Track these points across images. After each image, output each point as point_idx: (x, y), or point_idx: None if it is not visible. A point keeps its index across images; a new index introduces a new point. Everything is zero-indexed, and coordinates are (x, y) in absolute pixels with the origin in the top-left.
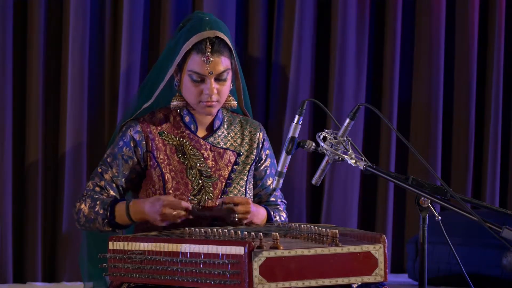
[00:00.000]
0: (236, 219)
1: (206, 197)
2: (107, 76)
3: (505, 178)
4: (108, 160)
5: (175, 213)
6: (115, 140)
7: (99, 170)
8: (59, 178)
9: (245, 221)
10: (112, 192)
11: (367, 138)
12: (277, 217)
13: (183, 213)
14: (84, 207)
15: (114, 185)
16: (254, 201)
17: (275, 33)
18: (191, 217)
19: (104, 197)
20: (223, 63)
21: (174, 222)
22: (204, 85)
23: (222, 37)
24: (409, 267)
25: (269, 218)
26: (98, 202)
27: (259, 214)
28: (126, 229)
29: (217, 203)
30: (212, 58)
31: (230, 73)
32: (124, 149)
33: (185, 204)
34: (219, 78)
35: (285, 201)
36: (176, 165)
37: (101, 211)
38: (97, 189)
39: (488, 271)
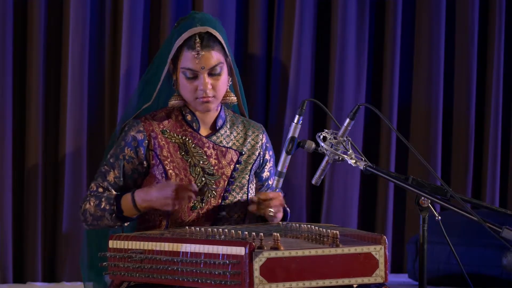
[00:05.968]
0: (271, 213)
1: (209, 194)
2: (107, 76)
3: (505, 178)
4: (111, 160)
5: (186, 195)
6: (118, 140)
7: (103, 170)
8: (59, 178)
9: (278, 215)
10: (114, 193)
11: (367, 138)
12: (287, 209)
13: (193, 196)
14: (89, 206)
15: (116, 186)
16: None
17: (275, 33)
18: (200, 198)
19: (108, 194)
20: (214, 57)
21: (177, 209)
22: (198, 81)
23: (212, 32)
24: (409, 267)
25: (285, 210)
26: (103, 199)
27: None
28: (126, 228)
29: (253, 200)
30: (202, 53)
31: (225, 67)
32: (125, 149)
33: (194, 186)
34: (212, 73)
35: (283, 193)
36: (179, 162)
37: (107, 207)
38: (100, 190)
39: (488, 271)
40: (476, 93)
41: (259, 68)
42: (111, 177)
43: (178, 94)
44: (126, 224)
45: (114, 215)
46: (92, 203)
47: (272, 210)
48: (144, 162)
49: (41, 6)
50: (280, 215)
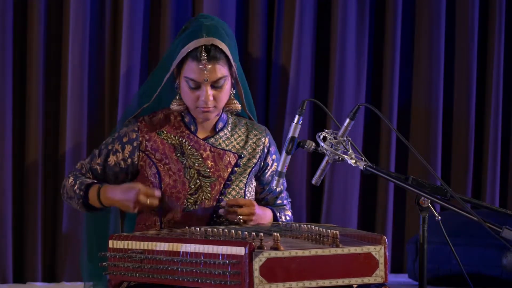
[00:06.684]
0: (241, 221)
1: (203, 197)
2: (107, 76)
3: (505, 178)
4: (102, 147)
5: (148, 201)
6: (115, 132)
7: (93, 153)
8: (59, 178)
9: (250, 223)
10: (89, 180)
11: (367, 138)
12: (283, 217)
13: (156, 201)
14: (67, 183)
15: (96, 173)
16: (261, 204)
17: (275, 33)
18: (164, 206)
19: (85, 178)
20: (219, 70)
21: (147, 210)
22: (200, 91)
23: (218, 45)
24: (409, 267)
25: (275, 219)
26: (77, 182)
27: (265, 216)
28: (127, 228)
29: (222, 204)
30: (207, 66)
31: (228, 79)
32: (115, 142)
33: (158, 192)
34: (215, 85)
35: (290, 199)
36: (174, 163)
37: (77, 191)
38: (83, 171)
39: (488, 271)
40: (476, 93)
41: (259, 68)
42: (95, 162)
43: (180, 98)
44: (90, 212)
45: (81, 200)
46: (70, 182)
47: (240, 217)
48: (128, 160)
49: (41, 6)
50: (252, 223)
